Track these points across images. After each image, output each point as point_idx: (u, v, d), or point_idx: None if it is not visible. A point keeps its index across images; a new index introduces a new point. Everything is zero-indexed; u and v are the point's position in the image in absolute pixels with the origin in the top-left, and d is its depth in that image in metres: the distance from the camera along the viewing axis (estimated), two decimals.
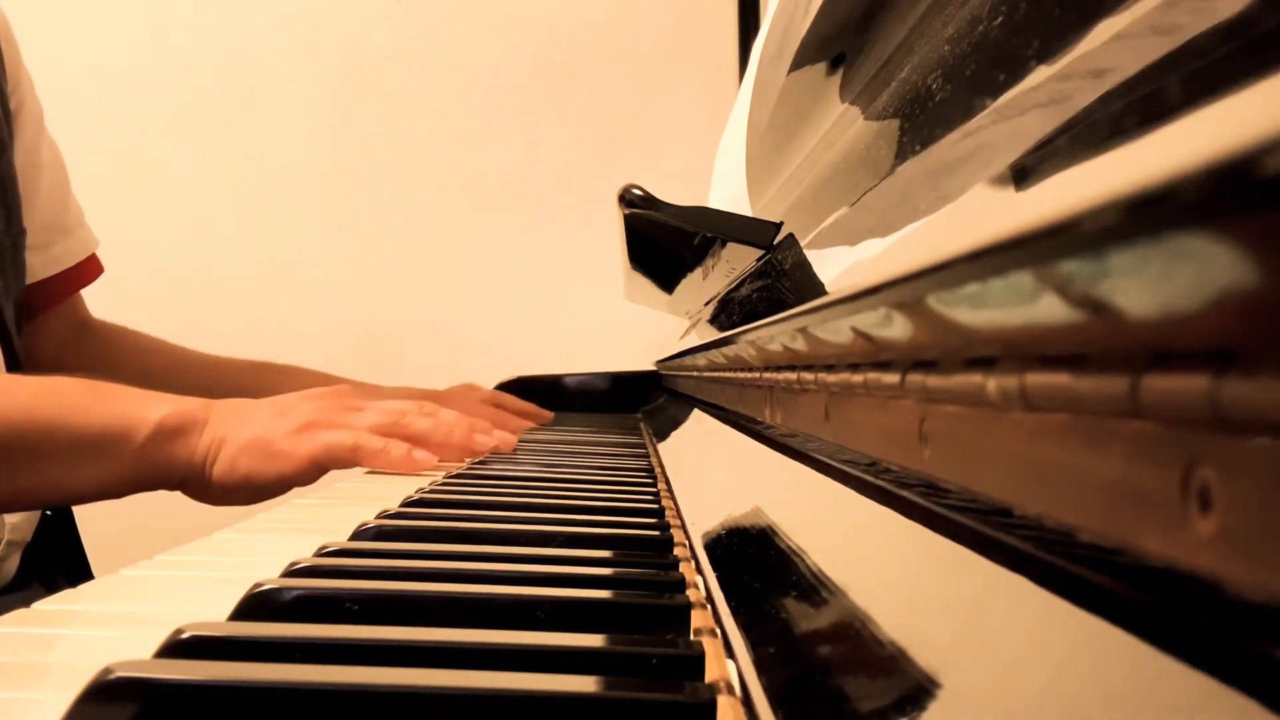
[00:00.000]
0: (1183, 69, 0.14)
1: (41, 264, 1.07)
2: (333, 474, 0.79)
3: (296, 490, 0.76)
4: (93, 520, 1.09)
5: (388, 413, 0.80)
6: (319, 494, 0.68)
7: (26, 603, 0.37)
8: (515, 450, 0.88)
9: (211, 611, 0.32)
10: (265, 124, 1.81)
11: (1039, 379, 0.18)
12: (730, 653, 0.29)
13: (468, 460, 0.82)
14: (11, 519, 0.91)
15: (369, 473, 0.80)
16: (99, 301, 1.18)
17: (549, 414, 1.26)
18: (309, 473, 0.77)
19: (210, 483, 0.76)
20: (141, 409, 0.75)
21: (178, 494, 0.81)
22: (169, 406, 0.76)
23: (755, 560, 0.37)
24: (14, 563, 0.93)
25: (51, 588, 0.94)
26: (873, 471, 0.32)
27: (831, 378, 0.35)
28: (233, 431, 0.76)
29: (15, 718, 0.26)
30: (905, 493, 0.28)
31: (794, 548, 0.34)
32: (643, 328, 1.51)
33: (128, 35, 1.79)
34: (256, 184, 1.80)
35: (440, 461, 0.80)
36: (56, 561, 0.96)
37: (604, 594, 0.35)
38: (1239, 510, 0.13)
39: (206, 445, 0.76)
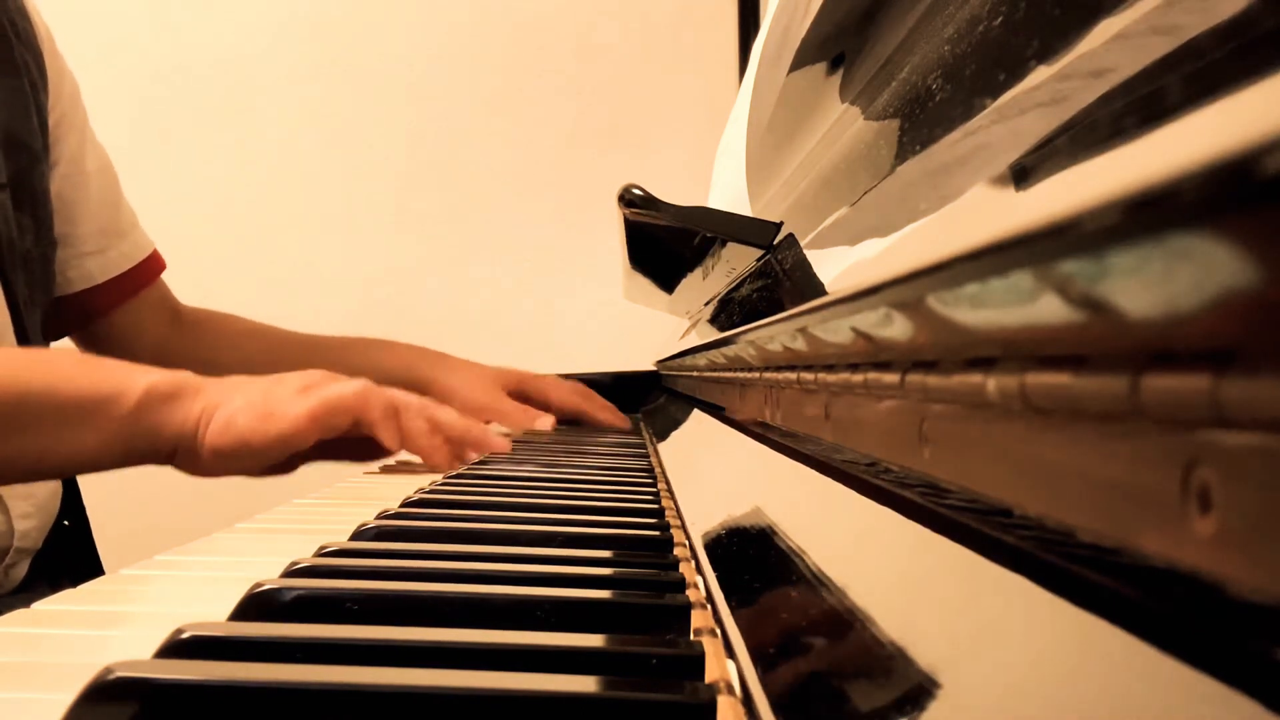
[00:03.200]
0: (1183, 69, 0.14)
1: (99, 268, 1.08)
2: (333, 474, 0.79)
3: (296, 490, 0.76)
4: (107, 526, 1.09)
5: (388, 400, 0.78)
6: (319, 494, 0.68)
7: (28, 604, 0.37)
8: (513, 451, 0.88)
9: (211, 611, 0.32)
10: (263, 126, 1.81)
11: (1039, 379, 0.18)
12: (730, 653, 0.29)
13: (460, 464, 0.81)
14: (21, 526, 0.91)
15: (369, 473, 0.80)
16: None
17: (625, 420, 1.24)
18: (307, 431, 0.74)
19: (203, 449, 0.74)
20: (130, 376, 0.74)
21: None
22: (159, 374, 0.74)
23: (755, 560, 0.37)
24: (22, 569, 0.93)
25: (57, 590, 0.93)
26: (873, 471, 0.32)
27: (831, 378, 0.35)
28: (227, 397, 0.74)
29: (15, 718, 0.26)
30: (905, 493, 0.28)
31: (794, 548, 0.34)
32: (643, 328, 1.51)
33: (126, 37, 1.79)
34: (253, 185, 1.80)
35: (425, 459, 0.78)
36: (67, 568, 0.97)
37: (604, 594, 0.35)
38: (1239, 510, 0.13)
39: (199, 411, 0.74)
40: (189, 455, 0.75)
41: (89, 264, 1.07)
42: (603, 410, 1.20)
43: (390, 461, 0.87)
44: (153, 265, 1.14)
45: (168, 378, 0.75)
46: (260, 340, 1.17)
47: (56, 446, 0.73)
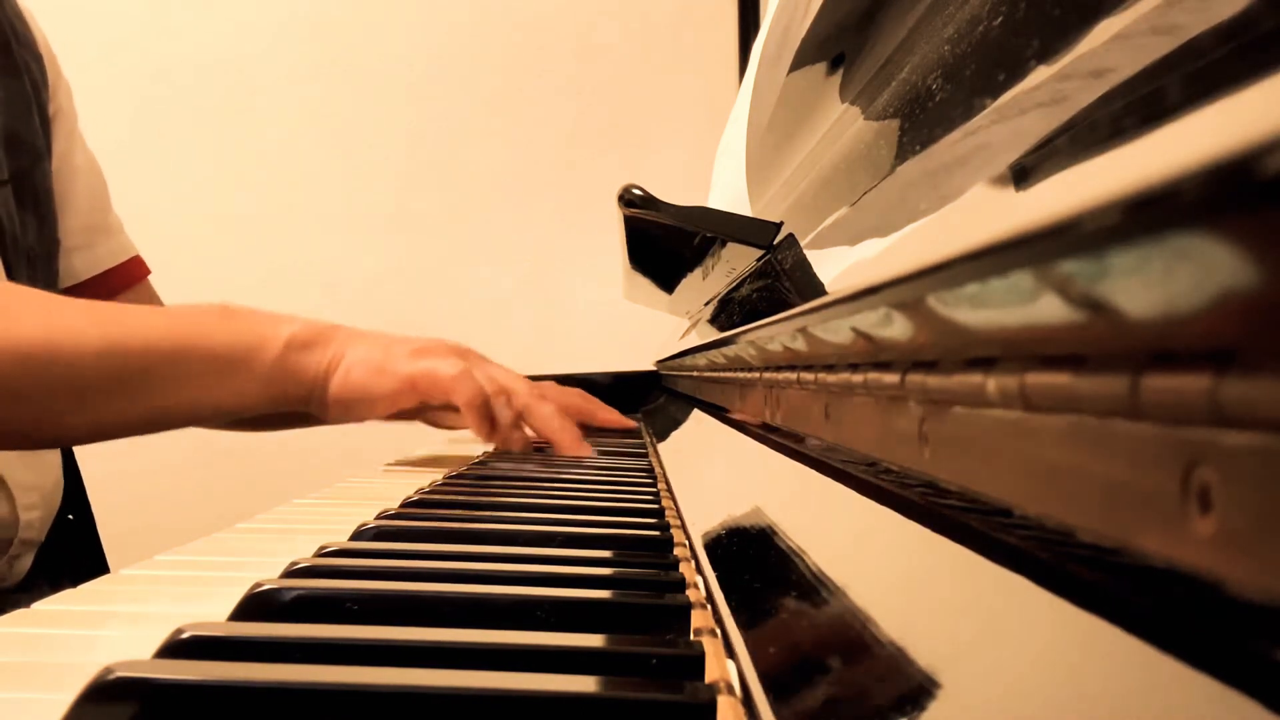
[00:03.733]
0: (1183, 69, 0.14)
1: (85, 264, 1.07)
2: (333, 473, 0.79)
3: (296, 490, 0.76)
4: (109, 522, 1.09)
5: (498, 383, 0.84)
6: (319, 494, 0.68)
7: (29, 602, 0.37)
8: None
9: (211, 611, 0.32)
10: (263, 125, 1.81)
11: (1039, 379, 0.18)
12: (730, 653, 0.29)
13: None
14: (26, 516, 0.91)
15: (374, 472, 0.80)
16: None
17: (632, 423, 1.23)
18: (407, 394, 0.80)
19: (329, 397, 0.80)
20: (274, 325, 0.80)
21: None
22: (299, 324, 0.81)
23: (755, 560, 0.37)
24: (26, 562, 0.93)
25: (58, 588, 0.93)
26: (873, 471, 0.32)
27: (831, 378, 0.35)
28: (353, 348, 0.81)
29: (15, 718, 0.26)
30: (905, 493, 0.28)
31: (794, 548, 0.34)
32: (643, 328, 1.51)
33: (126, 36, 1.79)
34: (254, 185, 1.80)
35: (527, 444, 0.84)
36: (71, 562, 0.97)
37: (604, 594, 0.35)
38: (1239, 510, 0.13)
39: (330, 359, 0.80)
40: (320, 400, 0.81)
41: (75, 260, 1.06)
42: (605, 410, 1.20)
43: (390, 461, 0.87)
44: (138, 267, 1.14)
45: (306, 326, 0.81)
46: None
47: (206, 395, 0.78)
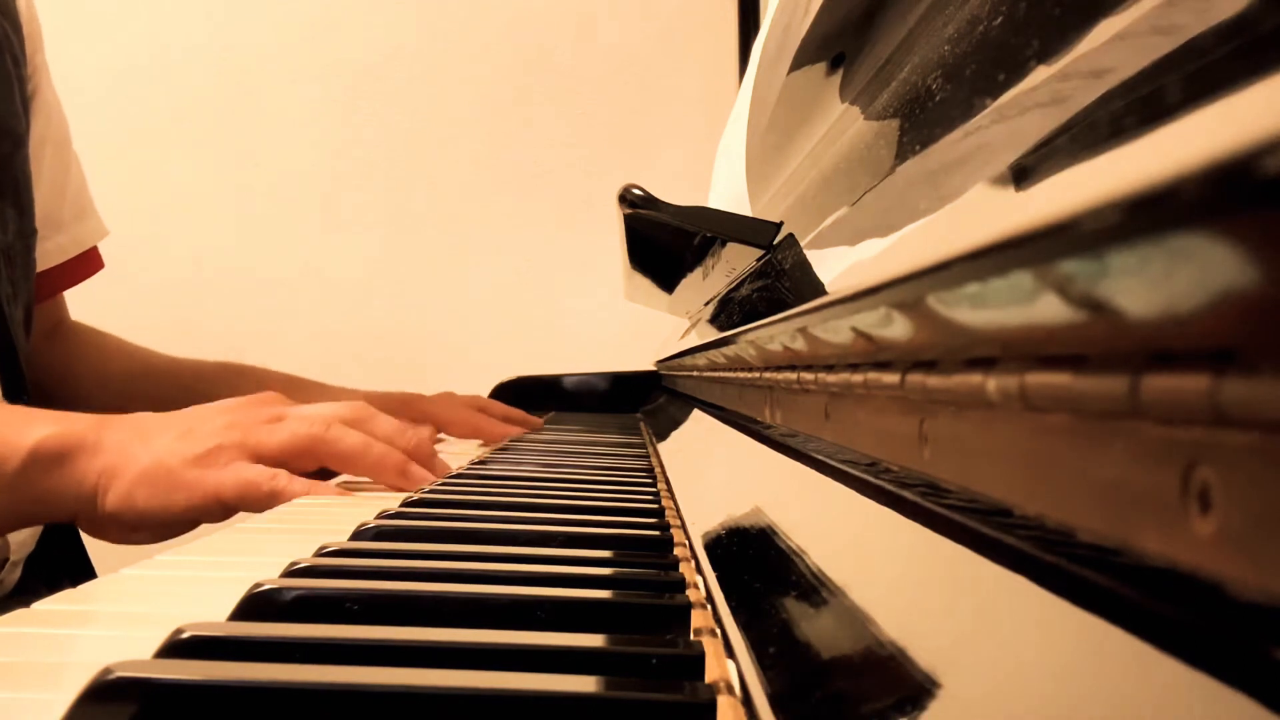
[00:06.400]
0: (1183, 69, 0.14)
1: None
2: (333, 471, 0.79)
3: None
4: None
5: (310, 424, 0.68)
6: (318, 494, 0.68)
7: (27, 604, 0.37)
8: (511, 450, 0.87)
9: (211, 611, 0.32)
10: (263, 127, 1.80)
11: (1039, 379, 0.18)
12: (730, 653, 0.29)
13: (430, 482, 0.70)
14: (14, 537, 0.89)
15: None
16: (93, 302, 1.17)
17: (538, 420, 1.14)
18: (214, 511, 0.66)
19: (105, 518, 0.66)
20: (14, 432, 0.65)
21: None
22: (50, 428, 0.65)
23: (755, 560, 0.37)
24: (17, 572, 0.92)
25: (55, 588, 0.90)
26: (873, 471, 0.32)
27: (831, 378, 0.35)
28: (127, 457, 0.66)
29: (15, 718, 0.26)
30: (905, 493, 0.28)
31: (794, 548, 0.34)
32: (643, 328, 1.51)
33: (126, 35, 1.79)
34: (254, 187, 1.80)
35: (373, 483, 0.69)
36: (61, 567, 0.95)
37: (604, 594, 0.35)
38: (1239, 510, 0.13)
39: (97, 473, 0.65)
40: (91, 522, 0.67)
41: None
42: (502, 426, 1.06)
43: None
44: (71, 271, 1.05)
45: (59, 432, 0.66)
46: (123, 362, 1.09)
47: None
